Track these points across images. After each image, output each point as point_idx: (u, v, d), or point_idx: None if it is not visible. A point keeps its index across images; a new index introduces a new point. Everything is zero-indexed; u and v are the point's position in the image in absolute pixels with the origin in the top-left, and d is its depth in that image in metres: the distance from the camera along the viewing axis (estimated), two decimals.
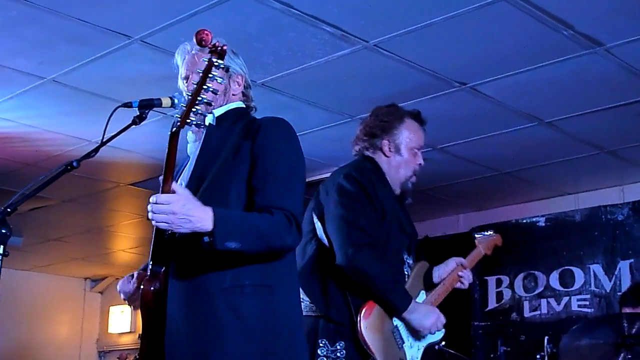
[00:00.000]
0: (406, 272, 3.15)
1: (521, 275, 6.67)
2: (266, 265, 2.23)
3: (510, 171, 6.08)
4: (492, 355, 6.62)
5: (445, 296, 3.24)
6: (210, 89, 2.19)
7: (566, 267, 6.41)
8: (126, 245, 8.71)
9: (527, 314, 6.58)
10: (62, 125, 5.20)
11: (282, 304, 2.26)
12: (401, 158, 3.16)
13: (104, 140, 2.34)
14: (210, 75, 2.18)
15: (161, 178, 2.17)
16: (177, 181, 2.37)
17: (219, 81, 2.22)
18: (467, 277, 3.30)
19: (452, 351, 5.01)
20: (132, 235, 8.20)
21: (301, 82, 4.49)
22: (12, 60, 4.28)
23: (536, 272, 6.59)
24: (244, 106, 2.50)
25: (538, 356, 4.68)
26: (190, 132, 2.43)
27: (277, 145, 2.30)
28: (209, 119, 2.39)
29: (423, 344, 3.09)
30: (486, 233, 3.61)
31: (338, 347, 2.88)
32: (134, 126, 2.34)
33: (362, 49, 4.07)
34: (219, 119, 2.42)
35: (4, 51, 4.16)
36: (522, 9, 3.64)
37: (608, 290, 6.14)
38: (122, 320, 10.02)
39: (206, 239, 2.09)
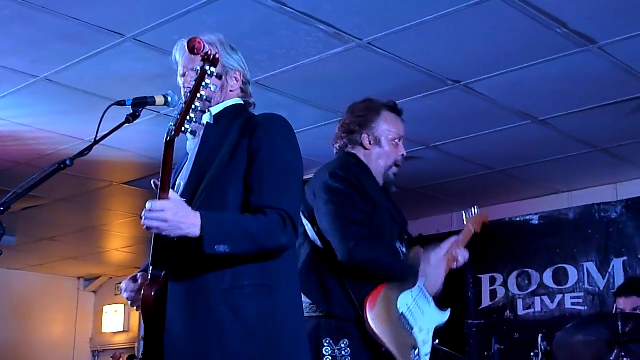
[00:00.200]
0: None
1: (515, 274, 6.68)
2: (265, 264, 2.22)
3: (504, 169, 6.09)
4: (486, 354, 6.63)
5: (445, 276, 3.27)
6: (204, 98, 2.18)
7: (560, 265, 6.43)
8: (120, 245, 8.68)
9: (520, 312, 6.59)
10: (55, 123, 5.18)
11: (283, 303, 2.25)
12: (381, 150, 3.16)
13: (97, 138, 2.31)
14: (203, 84, 2.17)
15: (153, 182, 2.17)
16: (176, 180, 2.37)
17: (212, 89, 2.21)
18: (463, 255, 3.31)
19: (446, 349, 5.04)
20: (126, 234, 8.18)
21: (295, 80, 4.48)
22: (4, 59, 4.26)
23: (530, 270, 6.60)
24: (242, 102, 2.48)
25: (532, 354, 4.70)
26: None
27: (273, 143, 2.29)
28: (206, 118, 2.38)
29: (432, 326, 3.09)
30: (473, 211, 3.64)
31: (342, 345, 2.86)
32: (127, 125, 2.32)
33: (356, 47, 4.07)
34: (216, 116, 2.40)
35: None
36: (515, 7, 3.64)
37: (601, 288, 6.15)
38: (116, 320, 9.99)
39: (194, 244, 2.10)
